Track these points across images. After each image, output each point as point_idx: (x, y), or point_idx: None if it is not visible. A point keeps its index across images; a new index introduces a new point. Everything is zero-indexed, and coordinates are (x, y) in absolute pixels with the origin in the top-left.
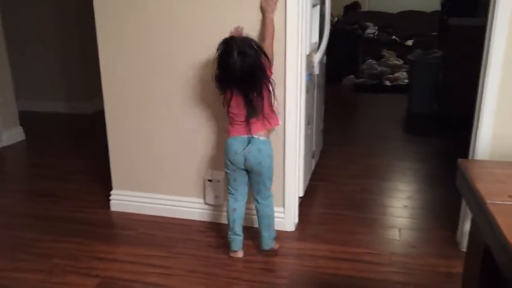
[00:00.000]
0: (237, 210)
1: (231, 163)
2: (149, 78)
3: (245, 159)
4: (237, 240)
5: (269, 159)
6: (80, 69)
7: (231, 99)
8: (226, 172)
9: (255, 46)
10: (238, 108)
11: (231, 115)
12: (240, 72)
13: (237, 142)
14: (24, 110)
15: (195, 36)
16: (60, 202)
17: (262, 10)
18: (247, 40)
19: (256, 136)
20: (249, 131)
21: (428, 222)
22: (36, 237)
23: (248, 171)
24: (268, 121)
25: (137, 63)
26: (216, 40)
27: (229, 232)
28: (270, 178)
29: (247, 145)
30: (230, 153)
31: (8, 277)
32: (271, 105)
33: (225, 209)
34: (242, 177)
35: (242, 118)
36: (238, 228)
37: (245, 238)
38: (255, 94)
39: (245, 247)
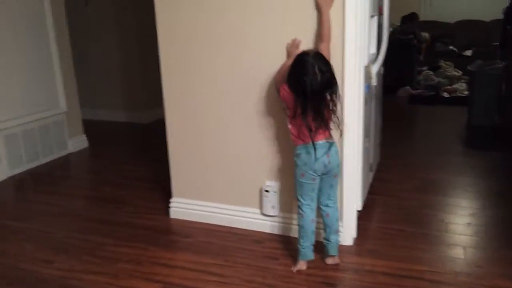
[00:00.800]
0: (314, 220)
1: (314, 171)
2: (210, 90)
3: (325, 164)
4: (312, 249)
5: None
6: (140, 80)
7: (304, 111)
8: (301, 183)
9: (326, 59)
10: (310, 118)
11: (302, 125)
12: (319, 87)
13: (322, 150)
14: (87, 119)
15: (256, 48)
16: (122, 207)
17: (318, 6)
18: (319, 54)
19: (331, 141)
20: (325, 137)
21: (494, 241)
22: (101, 241)
23: (321, 176)
24: (330, 127)
25: (199, 74)
26: (277, 52)
27: (306, 243)
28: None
29: (327, 151)
30: (311, 160)
31: (76, 278)
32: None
33: (279, 219)
34: (317, 185)
35: (315, 126)
36: (314, 237)
37: None
38: (329, 105)
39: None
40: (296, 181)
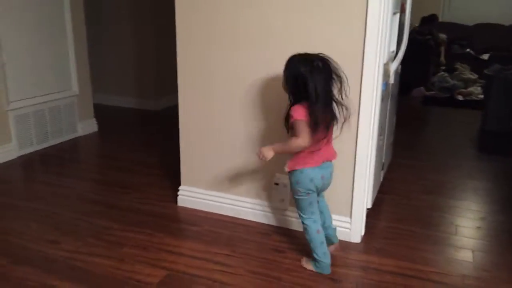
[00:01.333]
0: (320, 230)
1: (313, 190)
2: (225, 81)
3: (319, 185)
4: (329, 264)
5: None
6: (152, 68)
7: (318, 124)
8: (299, 200)
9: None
10: (321, 132)
11: (312, 142)
12: (325, 70)
13: (318, 171)
14: (97, 103)
15: (275, 44)
16: (130, 193)
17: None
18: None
19: (331, 160)
20: (328, 156)
21: (503, 246)
22: (108, 224)
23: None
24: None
25: (215, 65)
26: (293, 48)
27: (322, 255)
28: None
29: (325, 172)
30: (313, 182)
31: (81, 259)
32: None
33: (287, 213)
34: (315, 196)
35: (322, 142)
36: (326, 247)
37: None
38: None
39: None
40: (294, 198)
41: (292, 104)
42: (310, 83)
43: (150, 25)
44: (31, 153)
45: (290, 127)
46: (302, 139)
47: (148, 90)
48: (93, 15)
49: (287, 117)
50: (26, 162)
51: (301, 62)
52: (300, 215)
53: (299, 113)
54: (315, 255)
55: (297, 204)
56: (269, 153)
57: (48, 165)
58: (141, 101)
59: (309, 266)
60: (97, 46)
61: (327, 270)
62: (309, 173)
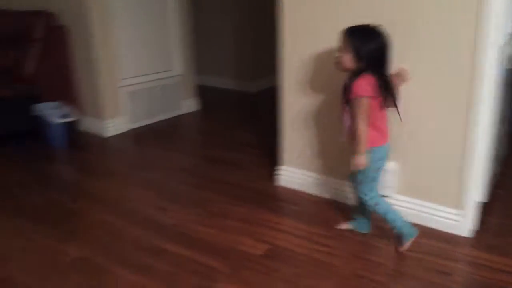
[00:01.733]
0: (387, 200)
1: (384, 163)
2: (327, 71)
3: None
4: (410, 225)
5: None
6: (250, 51)
7: (390, 92)
8: (374, 177)
9: None
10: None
11: (378, 118)
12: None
13: (387, 147)
14: (198, 84)
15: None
16: (232, 169)
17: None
18: None
19: None
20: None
21: None
22: (212, 197)
23: None
24: None
25: (320, 47)
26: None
27: (402, 221)
28: None
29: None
30: (386, 158)
31: (187, 227)
32: None
33: (392, 200)
34: None
35: (386, 119)
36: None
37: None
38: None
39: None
40: (366, 178)
41: (352, 77)
42: (388, 53)
43: (249, 10)
44: (140, 127)
45: (348, 102)
46: (363, 120)
47: (246, 72)
48: (196, 2)
49: (346, 89)
50: (136, 135)
51: (376, 33)
52: (366, 196)
53: (364, 89)
54: (396, 225)
55: (369, 183)
56: (362, 161)
57: (156, 139)
58: (239, 83)
59: (404, 246)
60: (200, 31)
61: (415, 231)
62: (387, 150)
